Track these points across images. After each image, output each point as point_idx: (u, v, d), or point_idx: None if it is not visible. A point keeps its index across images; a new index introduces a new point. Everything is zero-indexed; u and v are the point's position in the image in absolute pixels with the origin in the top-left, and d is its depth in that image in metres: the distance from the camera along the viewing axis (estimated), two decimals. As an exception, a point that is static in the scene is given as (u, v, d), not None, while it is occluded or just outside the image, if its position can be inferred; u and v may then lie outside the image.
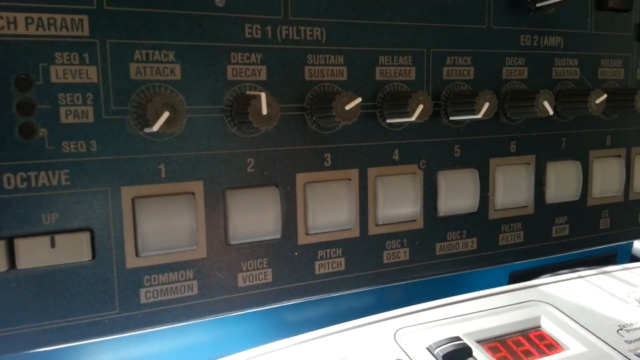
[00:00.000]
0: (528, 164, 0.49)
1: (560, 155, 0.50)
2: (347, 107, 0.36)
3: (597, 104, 0.46)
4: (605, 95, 0.46)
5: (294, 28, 0.38)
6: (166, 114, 0.31)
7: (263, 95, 0.33)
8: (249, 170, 0.37)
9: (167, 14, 0.34)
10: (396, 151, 0.42)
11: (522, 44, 0.47)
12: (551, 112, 0.43)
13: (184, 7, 0.34)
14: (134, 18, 0.33)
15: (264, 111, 0.33)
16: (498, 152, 0.47)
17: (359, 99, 0.36)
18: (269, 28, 0.37)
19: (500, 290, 0.57)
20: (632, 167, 0.55)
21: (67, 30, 0.31)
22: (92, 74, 0.32)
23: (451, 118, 0.44)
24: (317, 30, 0.38)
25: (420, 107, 0.38)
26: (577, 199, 0.52)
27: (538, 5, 0.46)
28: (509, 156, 0.48)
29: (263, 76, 0.37)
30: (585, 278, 0.63)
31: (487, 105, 0.41)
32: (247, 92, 0.35)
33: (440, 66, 0.43)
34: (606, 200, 0.54)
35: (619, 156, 0.54)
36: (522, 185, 0.48)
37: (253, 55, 0.36)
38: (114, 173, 0.33)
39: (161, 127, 0.31)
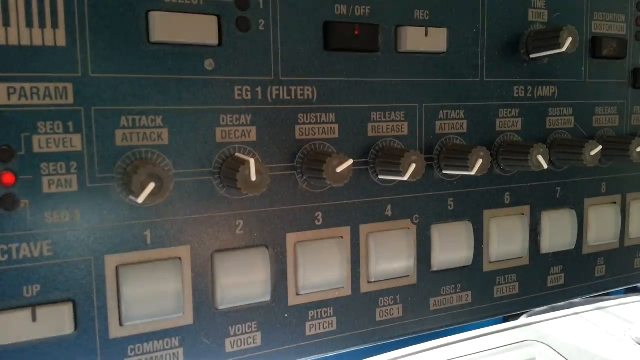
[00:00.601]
0: (523, 214, 0.48)
1: (555, 204, 0.50)
2: (339, 170, 0.36)
3: (592, 156, 0.46)
4: (600, 147, 0.45)
5: (285, 88, 0.37)
6: (151, 186, 0.30)
7: (252, 162, 0.32)
8: (237, 232, 0.36)
9: (155, 79, 0.33)
10: (389, 207, 0.42)
11: (516, 95, 0.46)
12: (545, 167, 0.43)
13: (173, 71, 0.33)
14: (121, 84, 0.32)
15: (253, 178, 0.33)
16: (492, 203, 0.46)
17: (350, 161, 0.35)
18: (259, 89, 0.36)
19: (495, 329, 0.56)
20: (628, 214, 0.55)
21: (51, 99, 0.31)
22: (76, 142, 0.31)
23: (444, 172, 0.43)
24: (308, 90, 0.38)
25: (413, 166, 0.38)
26: (572, 247, 0.51)
27: (532, 56, 0.46)
28: (504, 207, 0.47)
29: (253, 137, 0.36)
30: (581, 315, 0.63)
31: (480, 162, 0.40)
32: (236, 155, 0.35)
33: (433, 120, 0.43)
34: (602, 247, 0.53)
35: (614, 203, 0.54)
36: (517, 236, 0.48)
37: (243, 116, 0.36)
38: (97, 242, 0.32)
39: (147, 199, 0.30)
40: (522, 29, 0.46)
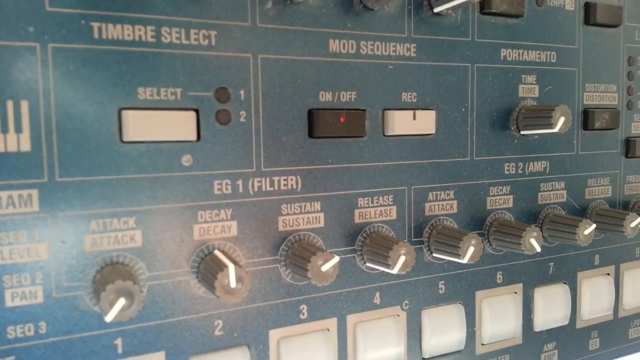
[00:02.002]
0: (515, 292, 0.46)
1: (548, 279, 0.48)
2: (324, 269, 0.34)
3: (585, 235, 0.44)
4: (593, 227, 0.44)
5: (267, 179, 0.35)
6: (121, 302, 0.28)
7: (232, 268, 0.30)
8: (216, 333, 0.34)
9: (128, 180, 0.31)
10: (377, 294, 0.40)
11: (507, 172, 0.45)
12: (538, 250, 0.41)
13: (148, 170, 0.32)
14: (91, 187, 0.30)
15: (233, 285, 0.31)
16: (484, 284, 0.45)
17: (336, 259, 0.34)
18: (240, 182, 0.34)
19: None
20: (621, 284, 0.53)
21: (14, 207, 0.29)
22: (42, 251, 0.29)
23: (435, 255, 0.41)
24: (292, 179, 0.36)
25: (402, 259, 0.36)
26: (565, 323, 0.49)
27: (523, 133, 0.44)
28: (496, 287, 0.45)
29: (234, 232, 0.34)
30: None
31: (472, 250, 0.39)
32: (215, 254, 0.33)
33: (423, 202, 0.41)
34: (596, 320, 0.52)
35: (608, 274, 0.52)
36: (510, 317, 0.46)
37: (222, 211, 0.34)
38: (64, 355, 0.30)
39: (116, 316, 0.28)
40: (512, 105, 0.44)
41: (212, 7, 0.33)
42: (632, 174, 0.52)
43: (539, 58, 0.46)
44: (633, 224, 0.47)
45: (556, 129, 0.42)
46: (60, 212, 0.30)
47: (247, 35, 0.34)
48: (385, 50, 0.39)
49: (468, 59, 0.42)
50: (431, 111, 0.41)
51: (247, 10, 0.34)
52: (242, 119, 0.34)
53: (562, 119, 0.42)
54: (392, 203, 0.40)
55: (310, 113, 0.36)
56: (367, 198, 0.39)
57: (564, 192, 0.48)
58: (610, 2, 0.49)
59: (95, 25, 0.30)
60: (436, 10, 0.40)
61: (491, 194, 0.44)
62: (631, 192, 0.53)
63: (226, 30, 0.33)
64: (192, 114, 0.32)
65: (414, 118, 0.40)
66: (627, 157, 0.52)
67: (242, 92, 0.34)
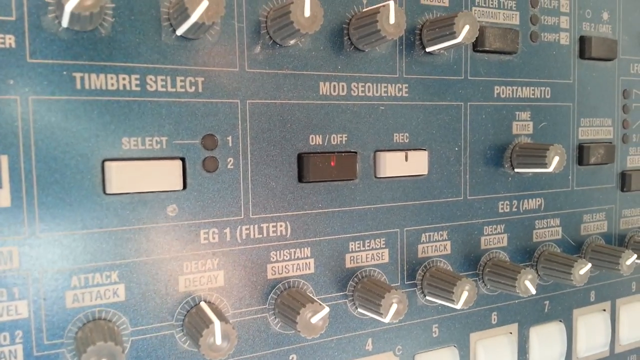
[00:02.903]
0: (510, 333, 0.46)
1: (544, 318, 0.47)
2: (313, 320, 0.33)
3: (581, 275, 0.43)
4: (589, 266, 0.43)
5: (256, 226, 0.34)
6: (103, 365, 0.27)
7: (217, 324, 0.29)
8: (203, 386, 0.33)
9: (111, 232, 0.30)
10: (369, 340, 0.39)
11: (501, 210, 0.44)
12: (533, 292, 0.41)
13: (131, 222, 0.31)
14: (72, 242, 0.29)
15: (219, 342, 0.30)
16: (479, 325, 0.44)
17: (326, 310, 0.33)
18: (227, 230, 0.34)
19: None
20: (618, 319, 0.53)
21: (-7, 265, 0.28)
22: (22, 309, 0.28)
23: (428, 298, 0.41)
24: (281, 226, 0.35)
25: (394, 308, 0.35)
26: (562, 361, 0.49)
27: (517, 170, 0.44)
28: (491, 328, 0.45)
29: (220, 282, 0.33)
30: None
31: (466, 295, 0.38)
32: (201, 307, 0.32)
33: (415, 244, 0.40)
34: (592, 357, 0.51)
35: (604, 310, 0.51)
36: (505, 358, 0.45)
37: (209, 261, 0.33)
38: (44, 416, 0.29)
39: (97, 379, 0.27)
40: (506, 142, 0.44)
41: (199, 54, 0.32)
42: (627, 208, 0.52)
43: (533, 94, 0.45)
44: (629, 262, 0.47)
45: (550, 169, 0.42)
46: (41, 268, 0.29)
47: (235, 81, 0.33)
48: (377, 91, 0.38)
49: (461, 98, 0.42)
50: (423, 151, 0.40)
51: (235, 55, 0.33)
52: (229, 166, 0.33)
53: (556, 159, 0.42)
54: (384, 246, 0.39)
55: (300, 157, 0.36)
56: (358, 242, 0.38)
57: (559, 228, 0.48)
58: (605, 35, 0.49)
59: (78, 75, 0.29)
60: (428, 49, 0.39)
61: (485, 233, 0.44)
62: (627, 227, 0.52)
63: (213, 77, 0.33)
64: (178, 163, 0.32)
65: (406, 159, 0.39)
66: (622, 191, 0.51)
67: (229, 138, 0.33)
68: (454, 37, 0.37)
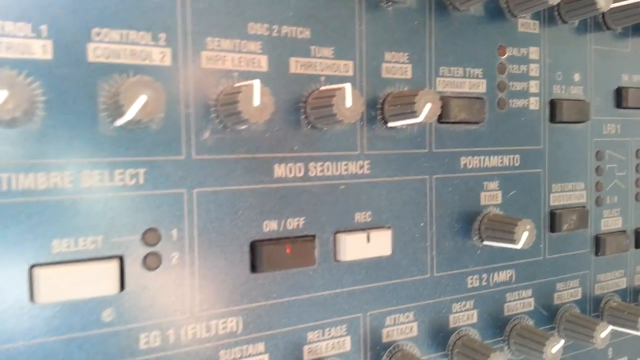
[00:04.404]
0: (482, 412, 0.44)
1: (517, 393, 0.46)
2: None
3: (553, 354, 0.42)
4: (562, 343, 0.42)
5: (203, 325, 0.32)
6: None
7: None
8: None
9: (39, 344, 0.27)
10: None
11: (470, 285, 0.42)
12: (504, 377, 0.39)
13: (61, 331, 0.28)
14: (-6, 359, 0.27)
15: None
16: (448, 407, 0.42)
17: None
18: (170, 332, 0.31)
19: None
20: (595, 388, 0.51)
21: None
22: None
23: (393, 385, 0.38)
24: (232, 321, 0.33)
25: (353, 407, 0.33)
26: None
27: (486, 243, 0.42)
28: (460, 408, 0.43)
29: (164, 386, 0.31)
30: None
31: (431, 386, 0.36)
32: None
33: (379, 329, 0.38)
34: None
35: (581, 379, 0.50)
36: None
37: (151, 365, 0.31)
38: None
39: None
40: (474, 214, 0.42)
41: (140, 144, 0.30)
42: (602, 273, 0.50)
43: (502, 162, 0.44)
44: (603, 334, 0.45)
45: (519, 246, 0.40)
46: (-42, 391, 0.26)
47: (181, 170, 0.31)
48: (337, 170, 0.36)
49: (426, 171, 0.40)
50: (387, 230, 0.38)
51: (180, 143, 0.31)
52: (174, 261, 0.31)
53: (525, 234, 0.40)
54: (345, 333, 0.37)
55: (253, 246, 0.34)
56: (317, 331, 0.36)
57: (532, 299, 0.46)
58: (577, 97, 0.48)
59: (4, 176, 0.27)
60: (391, 125, 0.38)
61: (454, 310, 0.42)
62: (602, 291, 0.50)
63: (156, 167, 0.31)
64: (115, 263, 0.29)
65: (368, 240, 0.37)
66: (597, 255, 0.50)
67: (174, 231, 0.31)
68: (415, 116, 0.35)
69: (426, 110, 0.35)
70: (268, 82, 0.33)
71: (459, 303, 0.42)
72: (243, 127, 0.32)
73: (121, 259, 0.30)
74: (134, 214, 0.30)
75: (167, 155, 0.31)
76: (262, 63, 0.33)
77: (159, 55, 0.30)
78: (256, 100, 0.30)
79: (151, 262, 0.31)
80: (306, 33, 0.35)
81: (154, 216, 0.31)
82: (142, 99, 0.26)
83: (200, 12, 0.32)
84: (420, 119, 0.35)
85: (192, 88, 0.31)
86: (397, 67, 0.38)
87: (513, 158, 0.44)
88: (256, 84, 0.30)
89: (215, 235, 0.32)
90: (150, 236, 0.31)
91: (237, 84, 0.32)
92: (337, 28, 0.36)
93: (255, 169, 0.34)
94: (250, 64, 0.33)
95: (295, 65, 0.35)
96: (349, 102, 0.32)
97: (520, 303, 0.45)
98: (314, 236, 0.35)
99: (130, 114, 0.26)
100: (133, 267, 0.30)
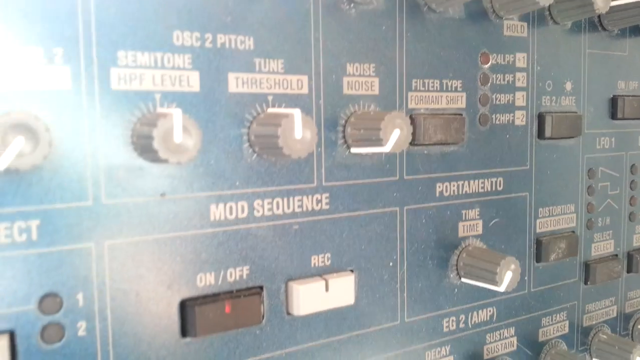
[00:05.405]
0: None
1: None
2: None
3: (539, 405, 0.37)
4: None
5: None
6: None
7: None
8: None
9: None
10: None
11: (446, 329, 0.37)
12: None
13: None
14: None
15: None
16: None
17: None
18: (78, 419, 0.25)
19: None
20: None
21: None
22: None
23: None
24: (157, 398, 0.27)
25: None
26: None
27: (464, 280, 0.37)
28: None
29: None
30: None
31: None
32: None
33: (341, 387, 0.33)
34: None
35: (566, 418, 0.45)
36: None
37: None
38: None
39: None
40: (452, 247, 0.37)
41: (31, 190, 0.24)
42: (591, 302, 0.45)
43: (483, 187, 0.38)
44: (594, 377, 0.40)
45: (502, 288, 0.35)
46: None
47: (88, 219, 0.25)
48: (289, 207, 0.31)
49: (396, 202, 0.34)
50: (349, 275, 0.32)
51: (86, 185, 0.25)
52: (80, 332, 0.25)
53: (508, 275, 0.35)
54: (300, 401, 0.32)
55: (183, 306, 0.28)
56: (265, 399, 0.31)
57: (514, 338, 0.41)
58: (568, 109, 0.42)
59: None
60: (354, 151, 0.32)
61: (427, 359, 0.36)
62: (591, 322, 0.46)
63: (54, 217, 0.24)
64: (4, 340, 0.23)
65: (327, 289, 0.31)
66: (586, 284, 0.45)
67: (79, 296, 0.25)
68: (381, 145, 0.29)
69: (394, 139, 0.29)
70: (200, 104, 0.27)
71: (433, 350, 0.36)
72: (173, 162, 0.26)
73: (12, 334, 0.24)
74: (26, 277, 0.24)
75: (69, 201, 0.25)
76: (193, 81, 0.27)
77: (53, 77, 0.24)
78: (177, 137, 0.24)
79: (51, 334, 0.24)
80: (249, 43, 0.29)
81: (52, 279, 0.24)
82: (17, 143, 0.20)
83: (109, 18, 0.25)
84: (386, 148, 0.29)
85: (99, 116, 0.25)
86: (361, 81, 0.32)
87: (496, 181, 0.39)
88: (176, 113, 0.24)
89: (135, 297, 0.26)
90: (49, 304, 0.24)
91: (160, 109, 0.26)
92: (288, 36, 0.30)
93: (185, 211, 0.27)
94: (176, 83, 0.27)
95: (236, 82, 0.28)
96: (298, 133, 0.26)
97: (501, 344, 0.40)
98: (261, 288, 0.30)
99: (1, 163, 0.20)
100: (27, 343, 0.24)
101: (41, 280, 0.24)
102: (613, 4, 0.40)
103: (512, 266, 0.35)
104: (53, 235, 0.24)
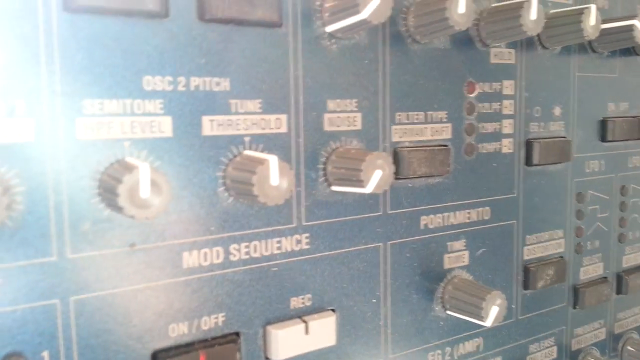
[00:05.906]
0: None
1: None
2: None
3: None
4: None
5: None
6: None
7: None
8: None
9: None
10: None
11: (432, 363, 0.37)
12: None
13: None
14: None
15: None
16: None
17: None
18: None
19: None
20: None
21: None
22: None
23: None
24: None
25: None
26: None
27: (450, 313, 0.36)
28: None
29: None
30: None
31: None
32: None
33: None
34: None
35: None
36: None
37: None
38: None
39: None
40: (437, 280, 0.36)
41: (-9, 247, 0.23)
42: (580, 326, 0.45)
43: (469, 218, 0.37)
44: (581, 407, 0.40)
45: (488, 323, 0.34)
46: None
47: (51, 275, 0.24)
48: (267, 250, 0.30)
49: (379, 238, 0.33)
50: (330, 316, 0.31)
51: (49, 240, 0.24)
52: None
53: (494, 310, 0.34)
54: None
55: (155, 359, 0.27)
56: None
57: (501, 370, 0.40)
58: (557, 134, 0.41)
59: None
60: (335, 189, 0.31)
61: (412, 397, 0.36)
62: (579, 346, 0.45)
63: (18, 275, 0.23)
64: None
65: (307, 331, 0.31)
66: (574, 308, 0.44)
67: (45, 353, 0.24)
68: (362, 186, 0.28)
69: (375, 180, 0.28)
70: (172, 150, 0.26)
71: (418, 387, 0.36)
72: (140, 219, 0.25)
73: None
74: (-13, 338, 0.23)
75: (32, 258, 0.24)
76: (164, 127, 0.26)
77: (14, 130, 0.23)
78: (144, 192, 0.22)
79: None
80: (224, 84, 0.27)
81: (15, 338, 0.23)
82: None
83: (74, 67, 0.24)
84: (367, 190, 0.28)
85: (64, 167, 0.24)
86: (343, 117, 0.31)
87: (482, 211, 0.38)
88: (143, 167, 0.23)
89: (102, 352, 0.25)
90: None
91: (128, 159, 0.25)
92: (266, 75, 0.28)
93: (156, 261, 0.26)
94: (147, 130, 0.26)
95: (210, 125, 0.27)
96: (274, 181, 0.25)
97: (488, 375, 0.40)
98: (237, 334, 0.29)
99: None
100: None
101: (3, 339, 0.23)
102: (603, 26, 0.39)
103: (498, 300, 0.34)
104: (15, 293, 0.23)
